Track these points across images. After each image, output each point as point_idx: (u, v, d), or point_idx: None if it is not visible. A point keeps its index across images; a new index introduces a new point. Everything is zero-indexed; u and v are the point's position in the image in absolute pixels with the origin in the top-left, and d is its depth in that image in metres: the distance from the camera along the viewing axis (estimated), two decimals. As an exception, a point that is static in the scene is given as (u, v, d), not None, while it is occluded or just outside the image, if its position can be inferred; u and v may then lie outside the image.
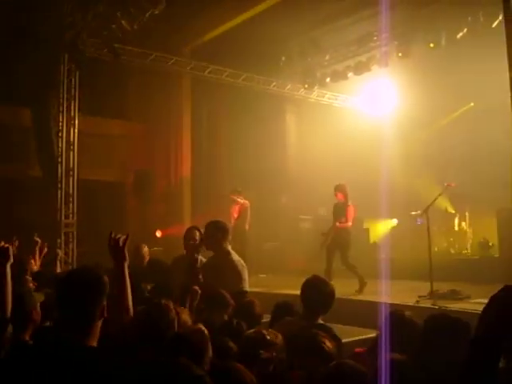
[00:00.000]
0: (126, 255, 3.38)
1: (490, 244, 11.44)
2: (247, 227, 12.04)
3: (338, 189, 10.16)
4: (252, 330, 3.41)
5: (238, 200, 12.21)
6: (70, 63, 11.32)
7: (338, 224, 9.79)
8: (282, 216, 15.03)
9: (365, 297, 8.55)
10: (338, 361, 2.71)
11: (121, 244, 3.37)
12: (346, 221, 9.86)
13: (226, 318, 4.21)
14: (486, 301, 1.68)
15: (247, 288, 5.29)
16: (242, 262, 5.51)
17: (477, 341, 1.62)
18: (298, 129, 16.14)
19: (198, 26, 12.73)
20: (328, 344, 3.13)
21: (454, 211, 12.78)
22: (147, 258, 7.49)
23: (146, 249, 7.58)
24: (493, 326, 1.60)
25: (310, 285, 4.12)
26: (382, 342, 2.67)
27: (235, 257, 5.50)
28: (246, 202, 12.22)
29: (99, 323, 2.47)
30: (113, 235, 3.39)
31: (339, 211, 10.01)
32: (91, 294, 2.46)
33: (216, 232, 5.54)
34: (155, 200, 13.92)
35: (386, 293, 5.52)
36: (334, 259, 9.65)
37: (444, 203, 12.02)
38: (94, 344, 2.42)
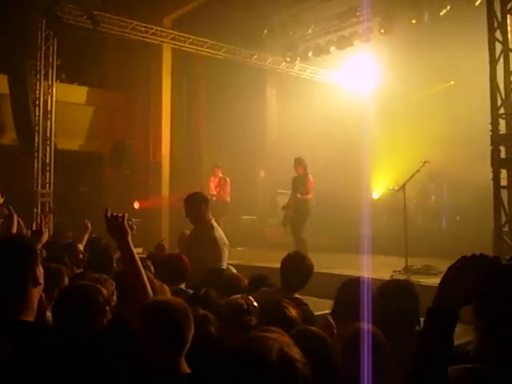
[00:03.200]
0: (127, 229, 3.15)
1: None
2: (228, 199, 12.13)
3: (298, 162, 10.33)
4: (233, 297, 3.42)
5: (219, 173, 12.25)
6: (47, 30, 11.10)
7: (298, 195, 9.94)
8: (260, 190, 15.06)
9: (342, 271, 8.64)
10: (300, 327, 2.74)
11: (120, 220, 3.14)
12: (306, 192, 10.03)
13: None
14: None
15: (225, 266, 5.27)
16: (225, 239, 5.45)
17: (433, 310, 1.64)
18: (279, 102, 16.08)
19: (180, -4, 12.56)
20: (291, 311, 3.14)
21: (431, 188, 12.91)
22: None
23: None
24: (449, 296, 1.64)
25: (290, 259, 4.22)
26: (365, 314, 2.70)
27: (218, 233, 5.42)
28: (227, 178, 12.28)
29: (33, 292, 2.38)
30: (109, 213, 3.15)
31: (298, 183, 10.18)
32: (17, 260, 2.31)
33: (199, 204, 5.50)
34: (133, 171, 13.83)
35: (362, 267, 5.58)
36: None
37: (421, 180, 12.13)
38: (30, 316, 2.29)
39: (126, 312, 2.99)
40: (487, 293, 1.65)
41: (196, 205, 5.48)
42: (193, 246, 5.41)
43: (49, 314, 3.26)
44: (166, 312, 2.55)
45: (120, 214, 3.17)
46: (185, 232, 7.39)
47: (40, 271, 2.33)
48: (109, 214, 3.15)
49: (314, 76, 15.86)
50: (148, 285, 3.09)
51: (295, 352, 1.64)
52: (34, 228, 6.34)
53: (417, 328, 3.01)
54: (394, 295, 3.14)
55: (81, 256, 5.37)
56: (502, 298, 1.66)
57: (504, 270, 1.71)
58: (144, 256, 5.84)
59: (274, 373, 1.56)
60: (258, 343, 1.63)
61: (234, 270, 5.17)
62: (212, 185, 12.27)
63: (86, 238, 6.08)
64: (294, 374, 1.59)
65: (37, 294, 2.33)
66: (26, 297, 2.27)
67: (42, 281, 2.32)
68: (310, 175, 10.24)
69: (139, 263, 3.12)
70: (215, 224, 5.54)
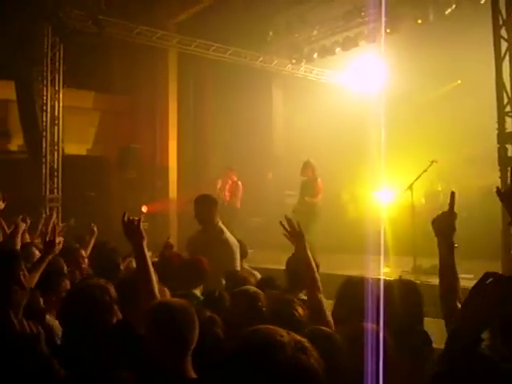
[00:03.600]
0: (143, 233, 3.28)
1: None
2: (239, 205, 11.93)
3: (306, 166, 10.32)
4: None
5: (234, 177, 12.06)
6: (54, 36, 11.16)
7: (306, 198, 9.95)
8: (268, 192, 15.05)
9: (349, 272, 8.61)
10: (311, 327, 2.74)
11: (136, 223, 3.29)
12: (315, 195, 10.03)
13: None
14: (467, 276, 1.75)
15: (239, 268, 5.27)
16: (236, 241, 5.47)
17: (456, 332, 1.65)
18: (285, 104, 16.07)
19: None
20: (300, 311, 3.20)
21: (439, 188, 12.86)
22: None
23: None
24: (472, 318, 1.63)
25: (295, 260, 4.17)
26: (369, 314, 2.70)
27: (229, 235, 5.43)
28: (239, 182, 12.06)
29: (20, 294, 2.46)
30: (125, 217, 3.29)
31: (307, 187, 10.16)
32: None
33: (209, 206, 5.50)
34: (140, 175, 13.87)
35: (370, 268, 5.56)
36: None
37: (430, 180, 12.09)
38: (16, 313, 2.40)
39: (132, 316, 3.00)
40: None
41: (206, 206, 5.48)
42: (203, 250, 5.37)
43: (48, 317, 3.28)
44: (167, 313, 2.57)
45: (136, 218, 3.31)
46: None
47: (25, 276, 2.43)
48: (125, 218, 3.29)
49: (320, 77, 15.83)
50: (157, 290, 3.14)
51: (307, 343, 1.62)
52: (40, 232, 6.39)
53: (419, 328, 3.00)
54: (397, 295, 3.14)
55: (84, 261, 5.32)
56: None
57: None
58: (155, 259, 5.84)
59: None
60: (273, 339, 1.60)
61: (256, 273, 5.22)
62: (226, 187, 12.03)
63: (92, 242, 6.08)
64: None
65: (22, 297, 2.42)
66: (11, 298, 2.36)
67: (27, 285, 2.42)
68: (318, 179, 10.22)
69: (151, 268, 3.22)
70: (223, 226, 5.55)
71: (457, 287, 2.39)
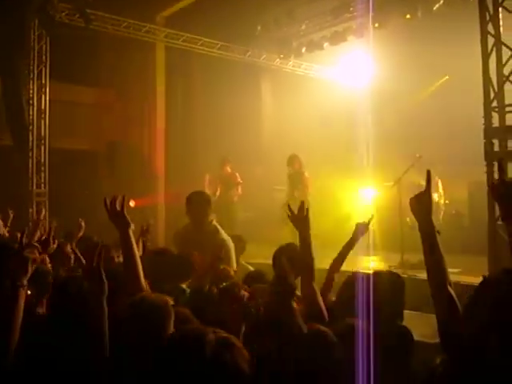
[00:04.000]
0: (128, 220, 3.18)
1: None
2: (235, 199, 11.47)
3: (292, 159, 10.30)
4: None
5: (227, 168, 11.68)
6: (40, 29, 11.06)
7: (296, 194, 9.94)
8: (257, 187, 15.04)
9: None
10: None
11: (118, 208, 3.16)
12: (305, 190, 10.03)
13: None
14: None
15: (234, 267, 5.19)
16: (230, 240, 5.34)
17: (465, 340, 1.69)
18: (274, 99, 16.07)
19: (173, -7, 12.52)
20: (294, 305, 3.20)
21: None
22: None
23: None
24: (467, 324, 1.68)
25: (282, 251, 4.18)
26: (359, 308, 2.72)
27: (224, 235, 5.30)
28: (236, 173, 11.60)
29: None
30: (108, 202, 3.17)
31: (294, 180, 10.14)
32: None
33: (202, 204, 5.36)
34: (128, 169, 13.80)
35: (357, 263, 5.58)
36: None
37: (417, 176, 12.15)
38: None
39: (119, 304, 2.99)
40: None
41: (199, 205, 5.34)
42: (198, 250, 5.25)
43: (39, 310, 3.27)
44: (144, 308, 2.57)
45: (119, 199, 3.18)
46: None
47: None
48: (108, 202, 3.16)
49: (308, 72, 15.85)
50: (142, 278, 3.11)
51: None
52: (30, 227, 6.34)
53: (398, 322, 3.02)
54: (378, 287, 3.14)
55: (70, 258, 5.25)
56: None
57: None
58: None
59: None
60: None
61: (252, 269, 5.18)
62: (216, 181, 11.66)
63: (79, 237, 6.01)
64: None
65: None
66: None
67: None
68: (306, 173, 10.22)
69: (137, 255, 3.16)
70: (218, 225, 5.41)
71: (445, 269, 2.37)
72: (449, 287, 2.30)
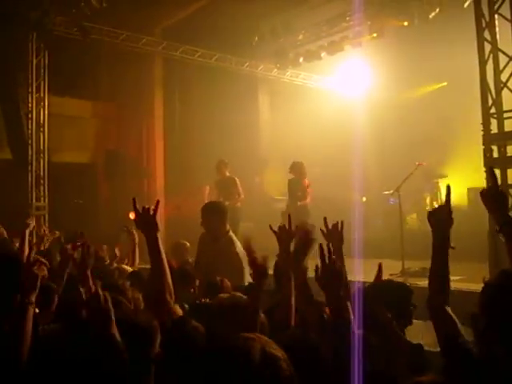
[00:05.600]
0: (158, 224, 3.12)
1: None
2: (239, 205, 10.90)
3: (293, 166, 10.28)
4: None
5: (226, 172, 11.31)
6: (38, 42, 11.10)
7: (298, 203, 9.92)
8: (256, 197, 15.03)
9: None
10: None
11: (151, 212, 3.10)
12: (305, 197, 10.02)
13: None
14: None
15: (248, 279, 5.09)
16: (244, 253, 5.20)
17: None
18: (272, 109, 16.09)
19: (170, 5, 12.53)
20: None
21: (426, 189, 12.93)
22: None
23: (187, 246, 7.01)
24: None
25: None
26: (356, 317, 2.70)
27: (239, 247, 5.14)
28: (235, 178, 11.14)
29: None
30: (138, 206, 3.10)
31: (294, 187, 10.13)
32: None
33: (218, 215, 5.24)
34: (127, 181, 13.80)
35: (358, 271, 5.56)
36: None
37: (416, 181, 12.17)
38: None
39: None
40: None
41: (216, 216, 5.22)
42: (214, 263, 5.13)
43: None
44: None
45: (152, 207, 3.14)
46: (180, 242, 7.32)
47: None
48: (138, 206, 3.12)
49: (306, 82, 15.88)
50: (169, 289, 3.03)
51: (277, 351, 1.64)
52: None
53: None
54: (385, 296, 3.13)
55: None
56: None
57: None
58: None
59: (257, 372, 1.55)
60: (239, 343, 1.64)
61: None
62: (214, 192, 11.40)
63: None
64: (276, 373, 1.58)
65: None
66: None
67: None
68: (305, 179, 10.21)
69: (165, 260, 3.09)
70: (234, 237, 5.29)
71: (447, 289, 2.36)
72: (447, 309, 2.30)
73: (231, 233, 5.31)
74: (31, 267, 2.57)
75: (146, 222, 3.13)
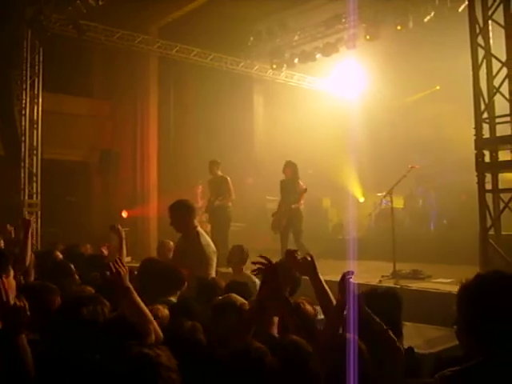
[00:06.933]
0: (129, 286, 3.02)
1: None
2: (230, 204, 10.78)
3: (286, 165, 10.24)
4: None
5: (217, 171, 11.12)
6: (33, 39, 11.07)
7: (293, 206, 9.89)
8: (249, 197, 15.05)
9: (330, 277, 8.64)
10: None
11: (115, 276, 3.00)
12: (299, 199, 9.99)
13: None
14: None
15: (213, 274, 5.20)
16: (213, 245, 5.34)
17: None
18: (266, 110, 16.11)
19: (166, 4, 12.55)
20: (308, 307, 3.47)
21: (418, 191, 12.97)
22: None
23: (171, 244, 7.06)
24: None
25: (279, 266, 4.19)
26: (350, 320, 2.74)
27: (205, 240, 5.30)
28: (228, 177, 11.00)
29: None
30: (113, 267, 3.00)
31: (287, 188, 10.10)
32: None
33: (183, 211, 5.39)
34: (121, 180, 13.79)
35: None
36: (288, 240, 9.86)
37: (409, 184, 12.22)
38: None
39: None
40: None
41: (180, 213, 5.38)
42: (181, 257, 5.30)
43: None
44: None
45: (118, 266, 3.02)
46: (164, 241, 7.38)
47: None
48: (113, 267, 3.02)
49: (301, 83, 15.92)
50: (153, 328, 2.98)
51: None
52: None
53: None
54: (376, 302, 3.16)
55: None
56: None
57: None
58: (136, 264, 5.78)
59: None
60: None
61: (257, 280, 5.18)
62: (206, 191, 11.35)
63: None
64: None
65: None
66: None
67: None
68: (299, 181, 10.17)
69: (147, 312, 3.05)
70: (201, 230, 5.45)
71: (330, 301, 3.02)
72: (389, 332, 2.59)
73: (199, 228, 5.44)
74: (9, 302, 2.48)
75: (117, 285, 3.03)
